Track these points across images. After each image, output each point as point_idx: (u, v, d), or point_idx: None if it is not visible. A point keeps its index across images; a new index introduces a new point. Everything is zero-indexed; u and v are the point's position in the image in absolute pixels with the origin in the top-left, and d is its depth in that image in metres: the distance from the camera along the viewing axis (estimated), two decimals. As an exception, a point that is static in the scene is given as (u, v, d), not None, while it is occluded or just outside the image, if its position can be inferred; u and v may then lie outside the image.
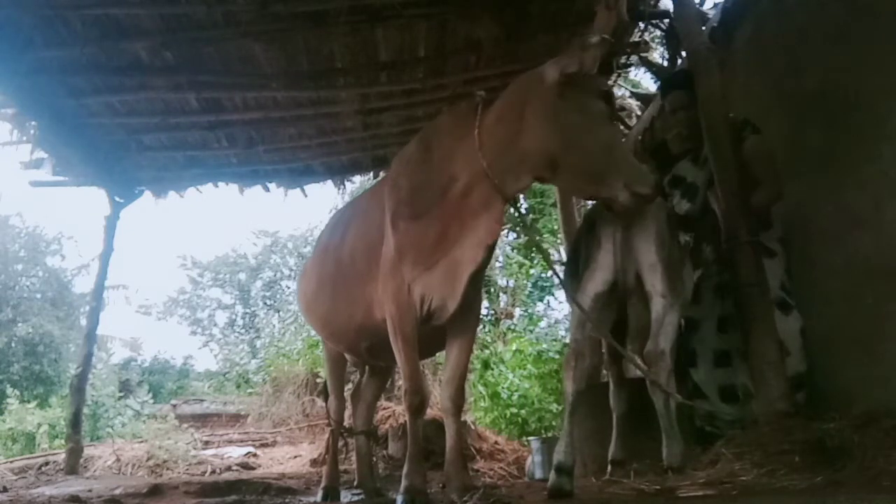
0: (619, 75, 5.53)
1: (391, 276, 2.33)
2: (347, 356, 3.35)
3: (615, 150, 2.10)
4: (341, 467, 3.67)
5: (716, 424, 2.60)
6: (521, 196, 9.29)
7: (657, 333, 2.23)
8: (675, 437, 2.39)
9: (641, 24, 4.79)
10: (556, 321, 11.21)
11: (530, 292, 11.27)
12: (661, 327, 2.22)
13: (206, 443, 8.07)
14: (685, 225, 2.91)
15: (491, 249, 2.33)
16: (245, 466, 6.60)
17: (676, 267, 2.33)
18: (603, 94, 2.13)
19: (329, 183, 6.40)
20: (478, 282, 2.44)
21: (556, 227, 9.62)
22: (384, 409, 5.84)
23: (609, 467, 2.62)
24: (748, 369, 2.56)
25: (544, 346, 7.89)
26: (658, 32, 5.07)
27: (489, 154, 2.13)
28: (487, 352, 8.16)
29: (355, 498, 3.16)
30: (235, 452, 7.19)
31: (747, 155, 2.81)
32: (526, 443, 5.86)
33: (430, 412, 3.98)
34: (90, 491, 3.82)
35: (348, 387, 3.87)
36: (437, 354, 3.41)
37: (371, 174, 6.47)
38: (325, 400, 3.49)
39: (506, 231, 9.38)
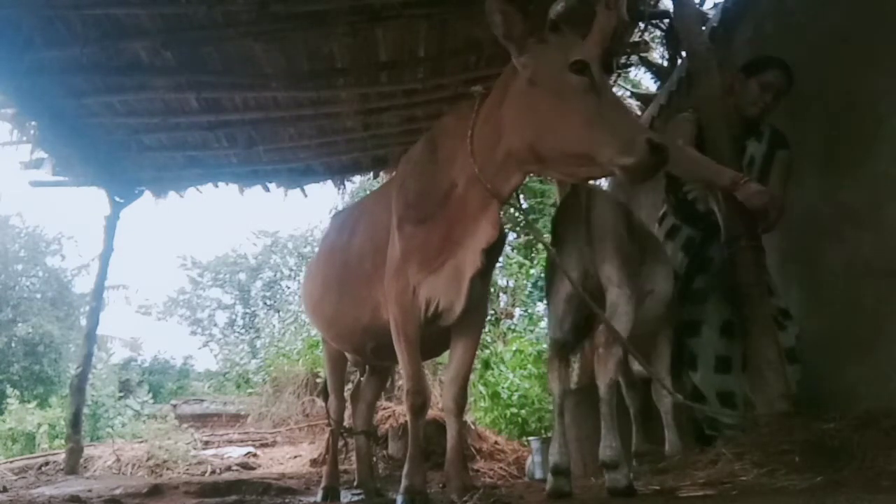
0: (619, 75, 5.54)
1: (395, 279, 2.33)
2: (349, 356, 3.34)
3: (595, 122, 1.80)
4: (341, 467, 3.67)
5: (716, 427, 2.59)
6: (521, 196, 9.34)
7: (611, 320, 2.14)
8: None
9: (641, 24, 4.78)
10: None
11: (530, 292, 11.22)
12: (615, 316, 2.14)
13: (206, 443, 8.05)
14: (694, 222, 2.90)
15: (496, 252, 2.31)
16: (245, 466, 6.58)
17: (634, 261, 2.26)
18: (575, 65, 1.88)
19: (329, 183, 6.39)
20: (485, 283, 2.43)
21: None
22: (384, 409, 5.83)
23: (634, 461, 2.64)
24: (748, 379, 2.53)
25: (544, 346, 7.87)
26: (658, 32, 5.06)
27: (480, 158, 2.09)
28: (487, 352, 8.13)
29: (355, 498, 3.17)
30: (235, 452, 7.17)
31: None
32: (526, 443, 5.85)
33: (430, 412, 3.97)
34: (90, 491, 3.82)
35: (348, 387, 3.87)
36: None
37: (371, 174, 6.47)
38: (325, 400, 3.50)
39: (506, 231, 9.36)
